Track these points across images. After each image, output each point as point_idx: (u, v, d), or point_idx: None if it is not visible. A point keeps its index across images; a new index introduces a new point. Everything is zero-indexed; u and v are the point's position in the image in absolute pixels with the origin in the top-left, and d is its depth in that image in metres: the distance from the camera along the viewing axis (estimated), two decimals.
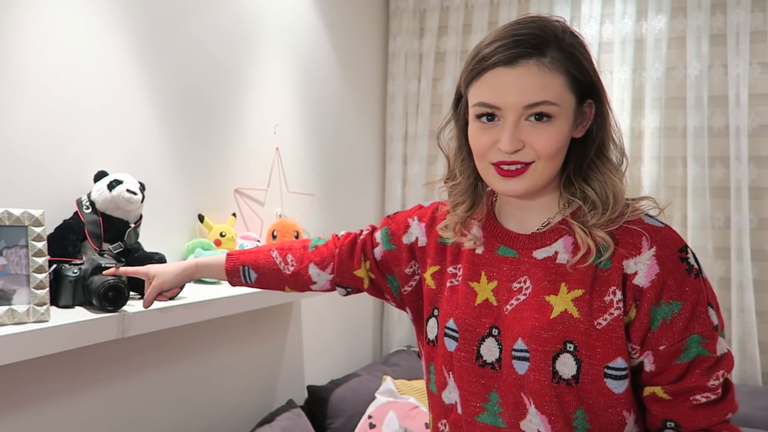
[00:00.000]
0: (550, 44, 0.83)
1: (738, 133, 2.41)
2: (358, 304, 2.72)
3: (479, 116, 0.86)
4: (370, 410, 2.18)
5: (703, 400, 0.83)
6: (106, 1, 1.55)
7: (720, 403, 0.84)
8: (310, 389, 2.22)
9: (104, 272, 1.27)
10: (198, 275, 1.20)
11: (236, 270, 1.16)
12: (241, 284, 1.17)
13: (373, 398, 2.24)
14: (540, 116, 0.82)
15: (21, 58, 1.36)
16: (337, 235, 1.15)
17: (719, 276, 2.47)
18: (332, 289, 1.14)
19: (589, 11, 2.62)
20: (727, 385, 0.85)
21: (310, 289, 1.14)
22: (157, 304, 1.37)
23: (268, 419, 1.93)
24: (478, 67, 0.85)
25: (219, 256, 1.19)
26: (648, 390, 0.86)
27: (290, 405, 2.06)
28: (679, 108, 2.52)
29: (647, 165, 2.53)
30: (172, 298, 1.40)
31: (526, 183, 0.85)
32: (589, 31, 2.61)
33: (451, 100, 0.94)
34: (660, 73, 2.52)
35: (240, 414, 2.01)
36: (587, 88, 0.86)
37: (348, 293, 1.14)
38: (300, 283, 1.14)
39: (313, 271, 1.12)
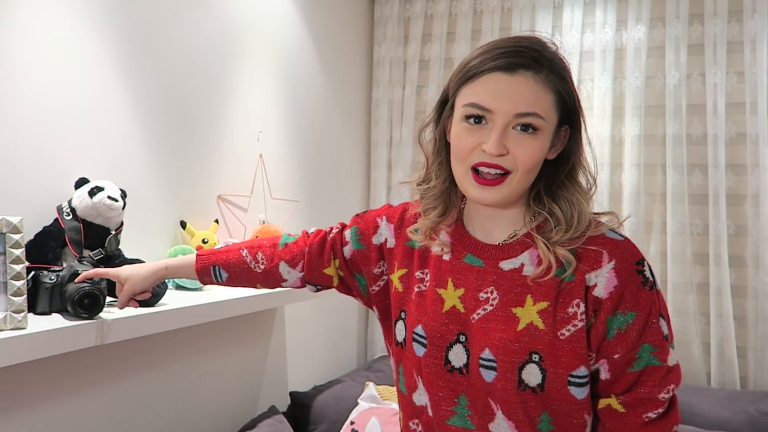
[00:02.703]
0: (546, 62, 0.87)
1: (716, 142, 2.46)
2: (342, 309, 2.73)
3: (468, 117, 0.88)
4: (352, 416, 2.18)
5: (653, 416, 0.87)
6: (89, 8, 1.55)
7: (665, 417, 0.87)
8: (293, 395, 2.22)
9: (76, 279, 1.26)
10: (168, 276, 1.20)
11: (207, 270, 1.16)
12: (213, 283, 1.18)
13: (356, 404, 2.25)
14: (527, 127, 0.85)
15: (3, 64, 1.36)
16: (307, 233, 1.15)
17: (698, 282, 2.51)
18: (302, 286, 1.15)
19: (571, 20, 2.66)
20: (672, 398, 0.88)
21: (281, 286, 1.15)
22: (136, 311, 1.38)
23: (250, 425, 1.92)
24: (475, 69, 0.87)
25: (189, 256, 1.19)
26: (603, 402, 0.89)
27: (272, 411, 2.06)
28: (658, 116, 2.56)
29: (627, 172, 2.57)
30: (146, 304, 1.40)
31: (500, 193, 0.88)
32: (570, 39, 2.65)
33: (435, 104, 0.96)
34: (640, 81, 2.56)
35: (222, 421, 2.01)
36: (570, 113, 0.90)
37: (318, 290, 1.15)
38: (271, 280, 1.15)
39: (283, 269, 1.12)
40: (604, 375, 0.88)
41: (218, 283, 1.17)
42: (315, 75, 2.53)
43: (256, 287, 1.17)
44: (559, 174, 0.92)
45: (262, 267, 1.13)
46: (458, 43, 2.82)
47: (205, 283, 1.18)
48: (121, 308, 1.22)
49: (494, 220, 0.94)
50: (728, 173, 2.47)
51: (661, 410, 0.86)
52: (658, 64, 2.56)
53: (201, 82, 1.93)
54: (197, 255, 1.17)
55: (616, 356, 0.86)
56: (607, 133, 2.59)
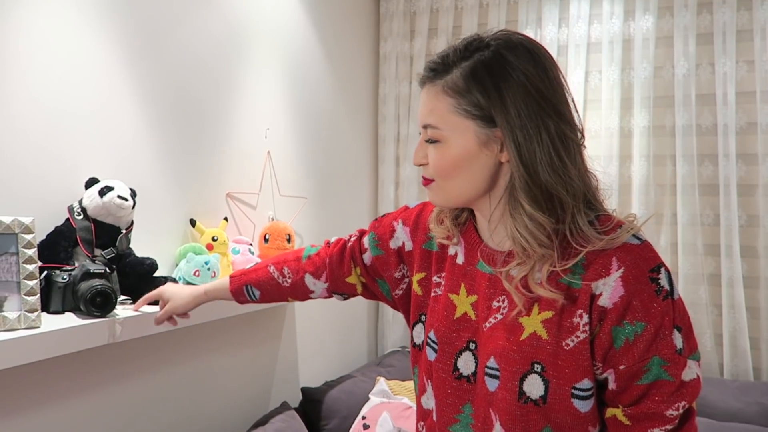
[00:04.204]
0: (448, 69, 0.86)
1: (726, 131, 2.44)
2: (352, 305, 2.73)
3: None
4: (364, 411, 2.19)
5: None
6: (96, 8, 1.56)
7: None
8: (305, 391, 2.23)
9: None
10: (207, 300, 1.27)
11: (240, 290, 1.22)
12: (248, 302, 1.23)
13: (367, 399, 2.25)
14: (429, 138, 0.88)
15: (11, 64, 1.37)
16: (328, 242, 1.18)
17: (709, 273, 2.49)
18: (330, 296, 1.19)
19: (578, 12, 2.64)
20: (687, 415, 0.82)
21: (310, 297, 1.20)
22: (147, 308, 1.39)
23: (262, 421, 1.94)
24: None
25: (223, 279, 1.26)
26: (610, 411, 0.85)
27: (284, 407, 2.07)
28: (667, 107, 2.54)
29: (637, 163, 2.55)
30: (156, 303, 1.45)
31: (436, 196, 0.91)
32: (577, 31, 2.64)
33: None
34: (648, 72, 2.54)
35: (234, 416, 2.02)
36: (491, 113, 0.84)
37: (346, 298, 1.19)
38: (299, 293, 1.19)
39: (309, 281, 1.16)
40: (611, 385, 0.84)
41: (253, 301, 1.22)
42: (321, 71, 2.53)
43: (287, 301, 1.22)
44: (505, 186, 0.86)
45: (290, 281, 1.17)
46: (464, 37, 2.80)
47: (241, 303, 1.24)
48: (158, 324, 1.29)
49: (495, 227, 0.91)
50: (739, 163, 2.45)
51: (669, 427, 0.81)
52: (667, 54, 2.54)
53: (208, 81, 1.93)
54: (230, 277, 1.24)
55: (621, 367, 0.82)
56: (616, 124, 2.58)
